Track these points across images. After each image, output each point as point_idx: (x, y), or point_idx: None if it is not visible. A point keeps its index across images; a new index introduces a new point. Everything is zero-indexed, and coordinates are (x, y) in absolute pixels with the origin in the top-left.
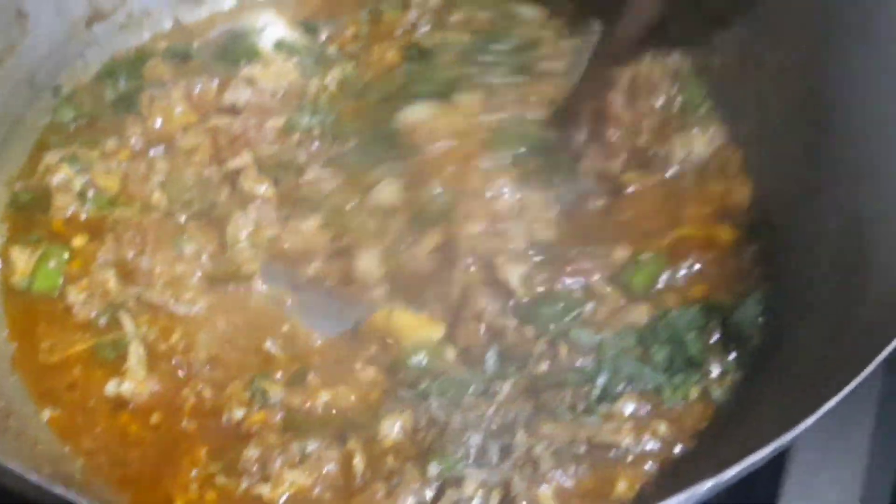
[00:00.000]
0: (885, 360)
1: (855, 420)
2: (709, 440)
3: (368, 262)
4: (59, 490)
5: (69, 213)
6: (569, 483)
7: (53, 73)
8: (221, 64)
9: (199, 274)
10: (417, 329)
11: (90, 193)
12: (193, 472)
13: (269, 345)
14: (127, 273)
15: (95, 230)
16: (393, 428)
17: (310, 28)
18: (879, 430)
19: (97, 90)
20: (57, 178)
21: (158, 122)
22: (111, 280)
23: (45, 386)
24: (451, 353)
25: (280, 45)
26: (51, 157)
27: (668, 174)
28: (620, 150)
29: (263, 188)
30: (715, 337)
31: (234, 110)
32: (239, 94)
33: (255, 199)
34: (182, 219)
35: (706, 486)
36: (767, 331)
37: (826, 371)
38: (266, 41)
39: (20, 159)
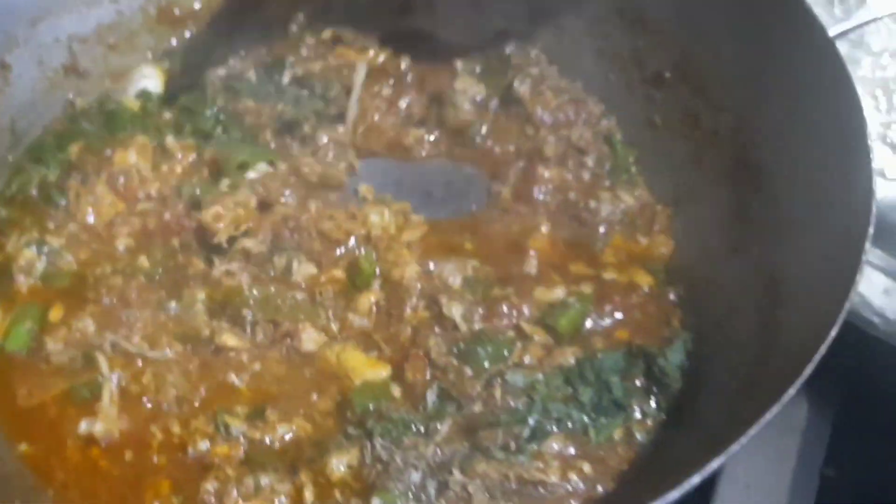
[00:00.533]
0: (811, 401)
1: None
2: (629, 482)
3: (312, 338)
4: None
5: (36, 283)
6: None
7: (33, 121)
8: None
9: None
10: (365, 368)
11: (51, 268)
12: None
13: (233, 379)
14: (104, 322)
15: (68, 293)
16: (340, 464)
17: None
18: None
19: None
20: (19, 262)
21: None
22: (90, 327)
23: (21, 424)
24: (397, 391)
25: None
26: (12, 244)
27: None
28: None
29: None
30: (639, 381)
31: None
32: None
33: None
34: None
35: None
36: (689, 376)
37: (739, 416)
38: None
39: None
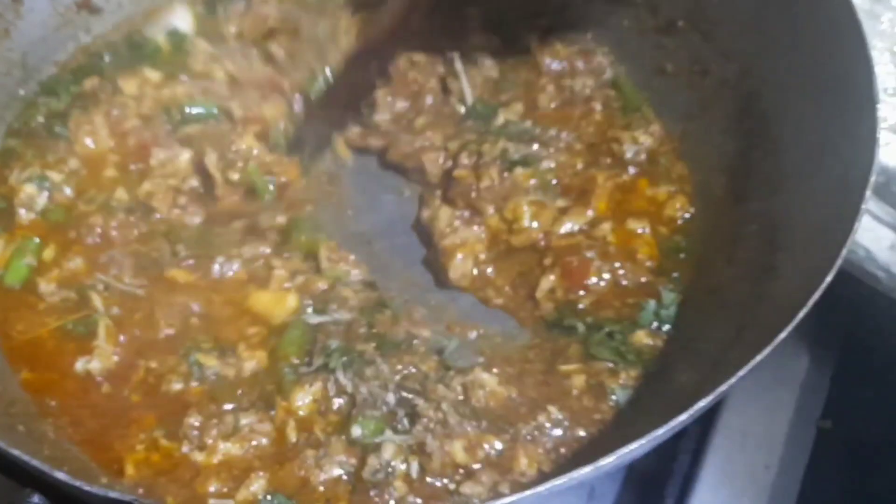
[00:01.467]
0: (811, 353)
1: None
2: (618, 424)
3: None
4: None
5: (36, 217)
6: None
7: (44, 57)
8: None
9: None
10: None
11: (50, 203)
12: (141, 436)
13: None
14: (95, 262)
15: (62, 229)
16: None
17: None
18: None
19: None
20: (21, 196)
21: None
22: (81, 267)
23: (21, 354)
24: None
25: None
26: (14, 177)
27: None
28: None
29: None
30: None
31: None
32: None
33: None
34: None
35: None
36: (684, 318)
37: (733, 359)
38: None
39: None
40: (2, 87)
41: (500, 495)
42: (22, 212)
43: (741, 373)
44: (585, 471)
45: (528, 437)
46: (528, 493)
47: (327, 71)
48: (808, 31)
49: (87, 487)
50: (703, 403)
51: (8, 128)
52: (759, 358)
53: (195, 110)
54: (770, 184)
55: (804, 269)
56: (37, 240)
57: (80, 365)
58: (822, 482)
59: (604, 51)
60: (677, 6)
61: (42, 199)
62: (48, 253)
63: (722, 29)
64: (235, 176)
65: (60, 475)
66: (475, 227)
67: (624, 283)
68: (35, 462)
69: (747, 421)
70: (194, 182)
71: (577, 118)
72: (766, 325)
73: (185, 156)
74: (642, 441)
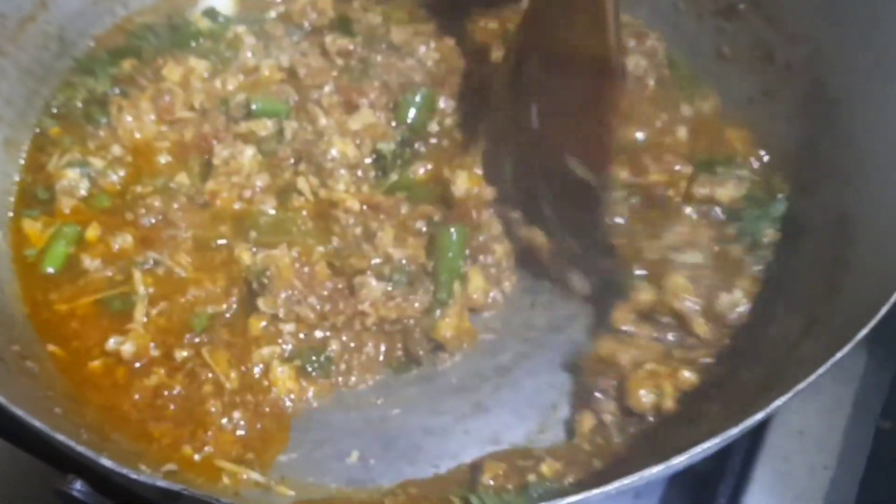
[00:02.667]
0: (870, 351)
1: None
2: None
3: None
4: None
5: (78, 203)
6: None
7: (82, 31)
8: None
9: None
10: None
11: (94, 189)
12: None
13: None
14: (144, 239)
15: (108, 212)
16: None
17: None
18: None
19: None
20: (64, 182)
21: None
22: (128, 243)
23: (52, 328)
24: None
25: None
26: (53, 164)
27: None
28: None
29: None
30: None
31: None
32: None
33: None
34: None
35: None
36: (749, 317)
37: (799, 355)
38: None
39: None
40: (39, 61)
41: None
42: (64, 198)
43: (821, 370)
44: (657, 469)
45: None
46: (595, 491)
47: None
48: (880, 12)
49: (134, 475)
50: (780, 401)
51: (44, 109)
52: (839, 355)
53: (258, 106)
54: (840, 175)
55: (879, 265)
56: (77, 227)
57: (112, 343)
58: (881, 483)
59: (657, 35)
60: None
61: (84, 185)
62: (91, 232)
63: (788, 11)
64: (325, 193)
65: (106, 462)
66: None
67: None
68: (80, 448)
69: (804, 419)
70: (260, 182)
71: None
72: (838, 321)
73: (249, 152)
74: (716, 440)
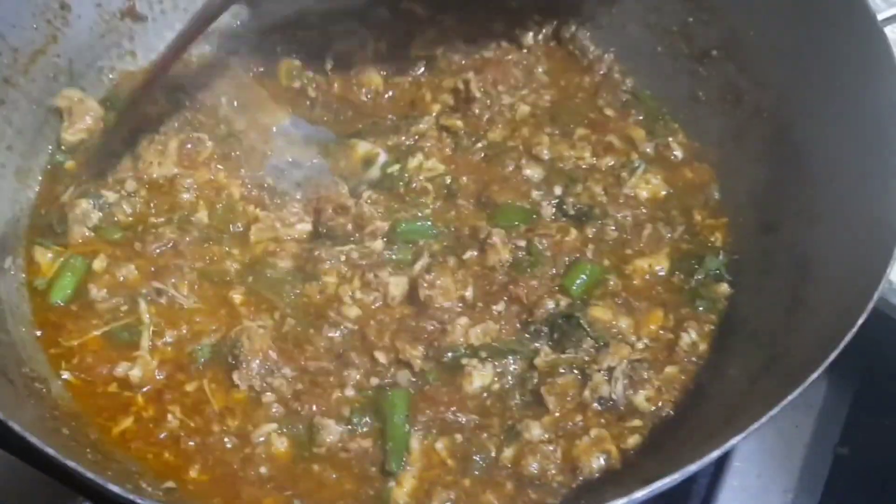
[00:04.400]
0: (830, 380)
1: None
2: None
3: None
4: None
5: (89, 234)
6: None
7: (89, 63)
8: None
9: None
10: None
11: (107, 222)
12: None
13: None
14: (149, 270)
15: (116, 244)
16: None
17: None
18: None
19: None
20: (75, 212)
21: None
22: (134, 274)
23: (64, 357)
24: None
25: None
26: (68, 195)
27: None
28: None
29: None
30: None
31: None
32: None
33: None
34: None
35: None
36: (715, 344)
37: (759, 391)
38: None
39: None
40: (49, 92)
41: None
42: (75, 228)
43: (774, 410)
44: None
45: None
46: None
47: None
48: (844, 63)
49: (140, 501)
50: (737, 439)
51: (56, 140)
52: (795, 393)
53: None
54: (803, 216)
55: (837, 305)
56: (84, 259)
57: (120, 370)
58: None
59: (622, 69)
60: (712, 36)
61: (95, 216)
62: (98, 263)
63: (757, 59)
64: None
65: (115, 489)
66: None
67: None
68: (90, 474)
69: (765, 446)
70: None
71: None
72: (796, 358)
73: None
74: (675, 476)
